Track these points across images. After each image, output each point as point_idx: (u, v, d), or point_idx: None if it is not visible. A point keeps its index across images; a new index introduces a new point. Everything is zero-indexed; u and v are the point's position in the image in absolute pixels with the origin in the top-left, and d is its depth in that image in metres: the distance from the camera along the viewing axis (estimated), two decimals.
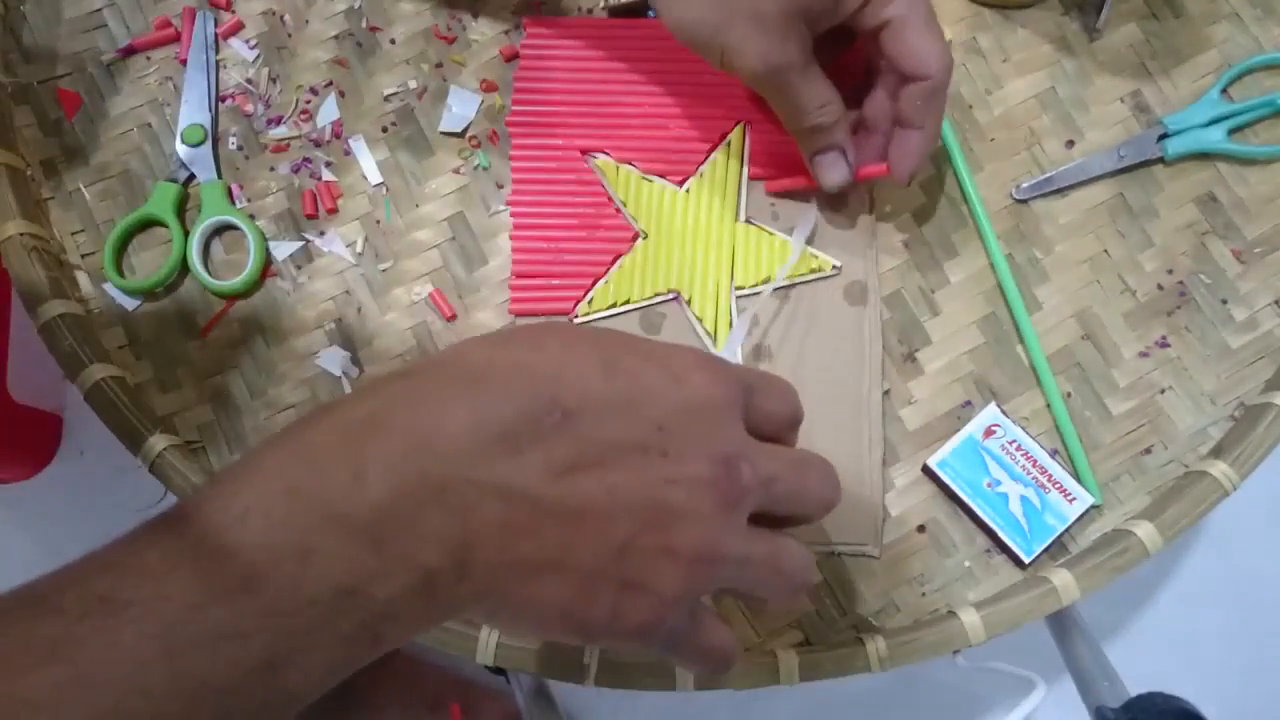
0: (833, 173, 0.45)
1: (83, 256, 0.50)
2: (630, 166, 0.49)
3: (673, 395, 0.30)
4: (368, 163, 0.50)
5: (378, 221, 0.50)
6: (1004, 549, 0.46)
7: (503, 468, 0.28)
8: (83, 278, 0.50)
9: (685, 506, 0.29)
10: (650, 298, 0.48)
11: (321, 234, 0.50)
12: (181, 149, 0.50)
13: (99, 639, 0.24)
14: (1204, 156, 0.50)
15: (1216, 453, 0.46)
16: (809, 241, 0.48)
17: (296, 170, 0.50)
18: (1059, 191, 0.49)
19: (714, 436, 0.30)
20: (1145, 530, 0.44)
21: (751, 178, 0.49)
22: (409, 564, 0.27)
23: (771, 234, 0.48)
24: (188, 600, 0.25)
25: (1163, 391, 0.48)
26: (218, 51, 0.51)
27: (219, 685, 0.25)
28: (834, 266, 0.48)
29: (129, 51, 0.51)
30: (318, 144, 0.50)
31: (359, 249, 0.49)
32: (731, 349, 0.46)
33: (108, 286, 0.49)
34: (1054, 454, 0.46)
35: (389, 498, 0.27)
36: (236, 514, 0.26)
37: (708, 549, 0.29)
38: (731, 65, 0.42)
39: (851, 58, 0.45)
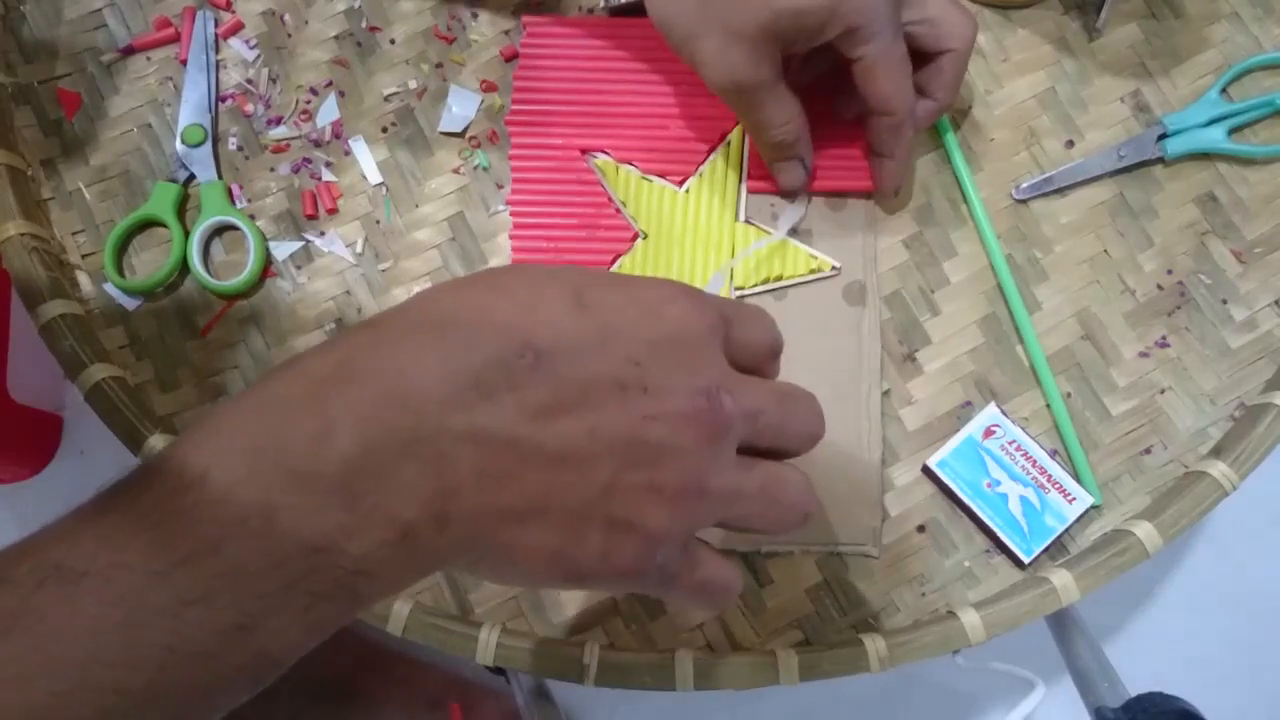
0: (789, 178, 0.47)
1: (83, 256, 0.50)
2: (630, 166, 0.49)
3: (648, 329, 0.29)
4: (367, 163, 0.50)
5: (378, 221, 0.50)
6: (1004, 549, 0.46)
7: (477, 414, 0.26)
8: (83, 278, 0.50)
9: (668, 442, 0.28)
10: None
11: (321, 234, 0.50)
12: (181, 149, 0.50)
13: (57, 610, 0.23)
14: (1204, 156, 0.50)
15: (1216, 453, 0.46)
16: (793, 232, 0.48)
17: (296, 170, 0.50)
18: (1059, 191, 0.49)
19: (694, 369, 0.29)
20: (1145, 530, 0.44)
21: (751, 191, 0.49)
22: (383, 518, 0.26)
23: (771, 234, 0.48)
24: (148, 567, 0.24)
25: (1162, 391, 0.48)
26: (218, 51, 0.51)
27: (187, 651, 0.24)
28: (834, 266, 0.48)
29: (129, 51, 0.51)
30: (318, 144, 0.50)
31: (359, 249, 0.49)
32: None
33: (108, 286, 0.49)
34: (1054, 454, 0.46)
35: (358, 451, 0.26)
36: (196, 474, 0.25)
37: (694, 483, 0.29)
38: (699, 72, 0.43)
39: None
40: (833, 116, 0.48)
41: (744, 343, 0.32)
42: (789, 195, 0.48)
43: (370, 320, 0.29)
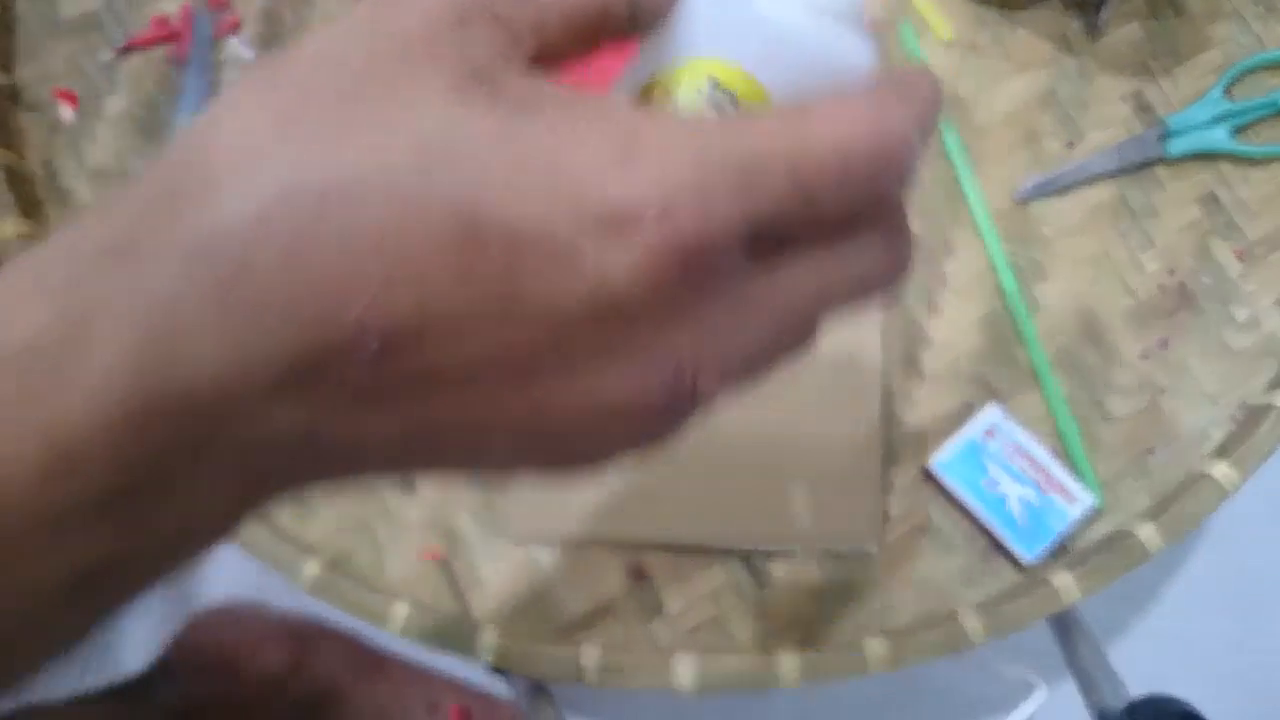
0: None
1: None
2: None
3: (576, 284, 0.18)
4: None
5: None
6: (1004, 550, 0.46)
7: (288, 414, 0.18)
8: None
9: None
10: None
11: None
12: None
13: None
14: (1206, 156, 0.49)
15: (1218, 453, 0.46)
16: None
17: None
18: (1059, 191, 0.49)
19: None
20: (1146, 531, 0.44)
21: None
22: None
23: None
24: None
25: (1164, 392, 0.48)
26: (217, 51, 0.51)
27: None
28: None
29: (127, 51, 0.51)
30: None
31: None
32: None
33: None
34: (1054, 454, 0.46)
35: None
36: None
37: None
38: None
39: None
40: None
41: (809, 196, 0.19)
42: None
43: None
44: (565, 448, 0.20)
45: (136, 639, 0.66)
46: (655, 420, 0.20)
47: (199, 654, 0.69)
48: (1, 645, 0.20)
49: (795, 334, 0.22)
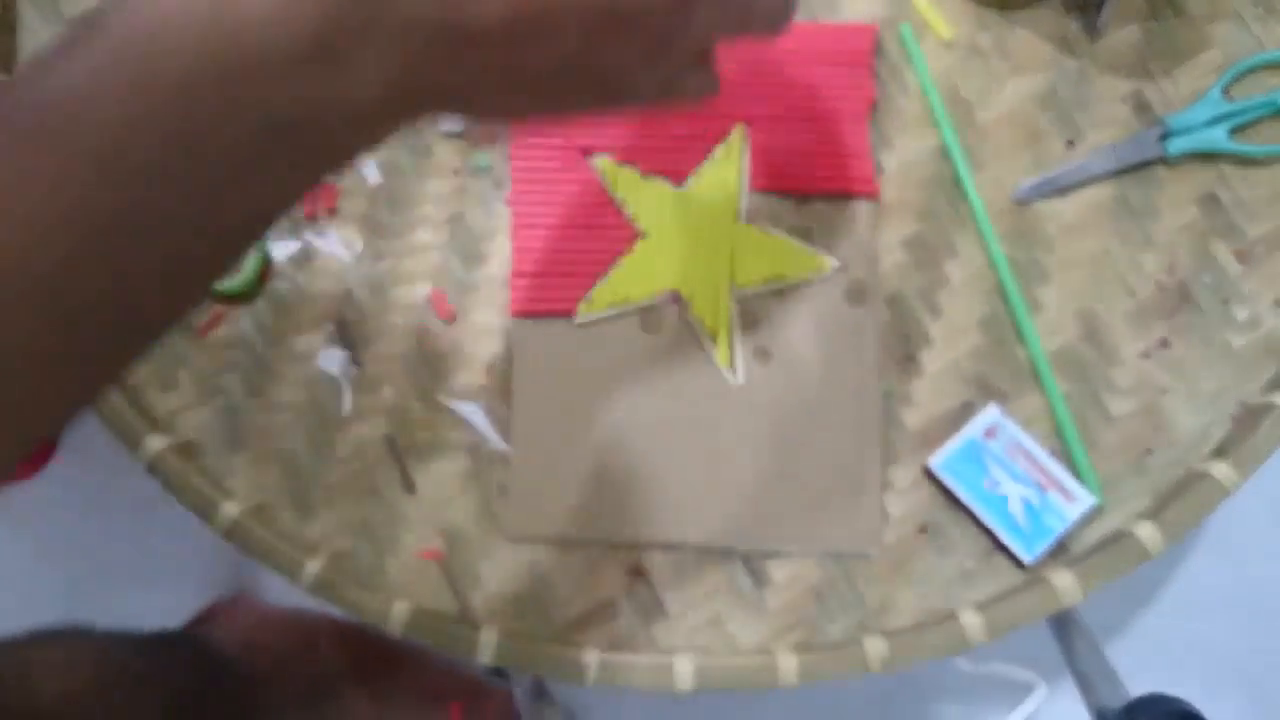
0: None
1: None
2: (630, 166, 0.49)
3: None
4: (367, 163, 0.50)
5: (379, 222, 0.50)
6: (1004, 550, 0.46)
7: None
8: None
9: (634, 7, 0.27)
10: (650, 297, 0.48)
11: (321, 234, 0.49)
12: None
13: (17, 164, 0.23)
14: (1205, 156, 0.49)
15: (1218, 453, 0.46)
16: (794, 231, 0.48)
17: None
18: (1059, 191, 0.49)
19: None
20: (1146, 531, 0.44)
21: (752, 190, 0.49)
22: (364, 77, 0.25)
23: (771, 234, 0.48)
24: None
25: (1164, 392, 0.48)
26: None
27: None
28: (834, 266, 0.48)
29: None
30: None
31: (359, 249, 0.49)
32: None
33: None
34: (1054, 454, 0.46)
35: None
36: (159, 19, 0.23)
37: (665, 36, 0.28)
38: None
39: None
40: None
41: None
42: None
43: None
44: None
45: (164, 608, 0.68)
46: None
47: (220, 627, 0.71)
48: (211, 194, 0.25)
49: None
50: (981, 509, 0.45)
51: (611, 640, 0.45)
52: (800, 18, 0.51)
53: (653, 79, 0.30)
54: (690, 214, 0.48)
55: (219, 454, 0.48)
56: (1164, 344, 0.48)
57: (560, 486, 0.47)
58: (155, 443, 0.46)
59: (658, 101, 0.31)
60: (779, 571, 0.46)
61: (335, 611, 0.44)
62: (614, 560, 0.47)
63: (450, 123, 0.50)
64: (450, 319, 0.49)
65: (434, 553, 0.47)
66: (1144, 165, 0.49)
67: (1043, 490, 0.45)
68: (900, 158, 0.50)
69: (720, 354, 0.47)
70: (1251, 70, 0.50)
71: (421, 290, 0.49)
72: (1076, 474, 0.46)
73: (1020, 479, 0.45)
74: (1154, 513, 0.45)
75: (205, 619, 0.73)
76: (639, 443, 0.47)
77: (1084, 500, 0.45)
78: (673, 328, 0.48)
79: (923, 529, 0.46)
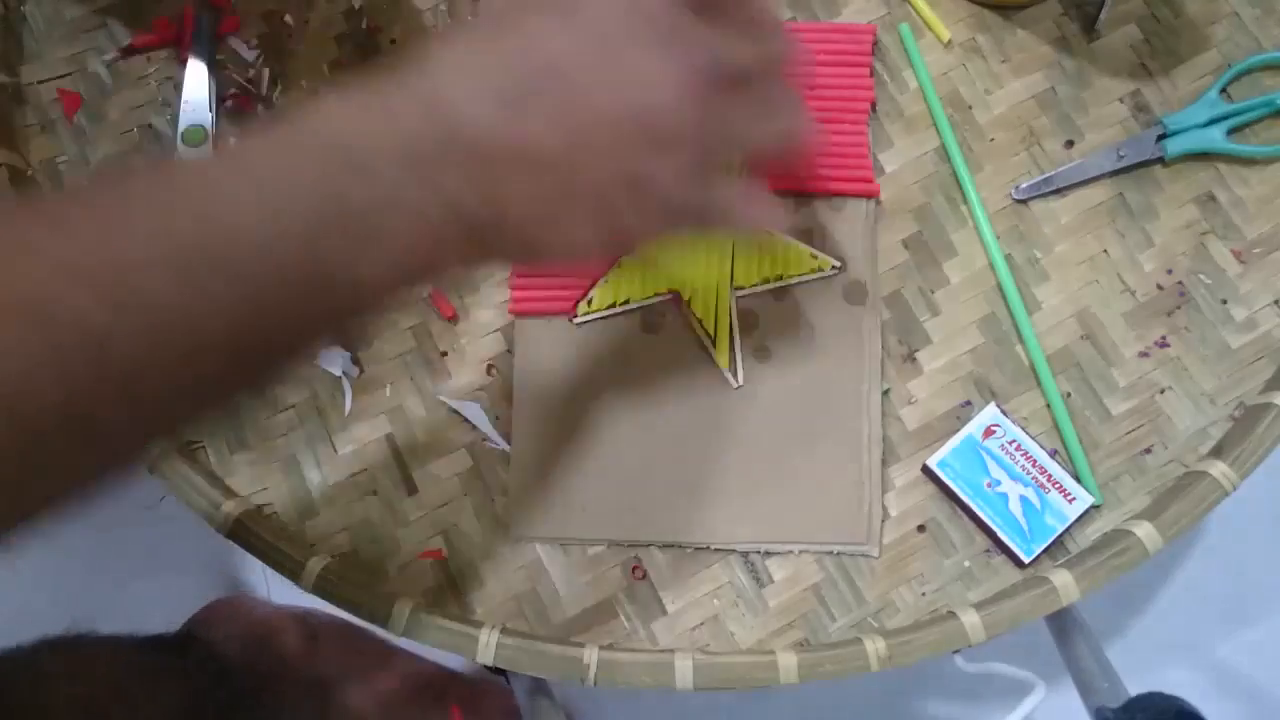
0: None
1: None
2: None
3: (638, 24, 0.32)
4: None
5: None
6: (1004, 549, 0.46)
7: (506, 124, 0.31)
8: None
9: (669, 125, 0.32)
10: (650, 297, 0.48)
11: None
12: (183, 150, 0.50)
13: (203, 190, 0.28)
14: (1203, 156, 0.50)
15: (1216, 453, 0.46)
16: (794, 232, 0.48)
17: None
18: (1058, 191, 0.49)
19: (674, 48, 0.32)
20: (1145, 530, 0.44)
21: None
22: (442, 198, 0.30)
23: (771, 234, 0.48)
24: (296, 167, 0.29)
25: (1162, 391, 0.48)
26: (218, 51, 0.51)
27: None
28: (834, 266, 0.48)
29: (129, 51, 0.51)
30: None
31: None
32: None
33: None
34: (1054, 454, 0.46)
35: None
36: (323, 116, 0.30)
37: (695, 149, 0.33)
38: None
39: None
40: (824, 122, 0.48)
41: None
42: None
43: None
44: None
45: (165, 607, 0.68)
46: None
47: (222, 627, 0.71)
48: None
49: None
50: (981, 508, 0.45)
51: (611, 639, 0.46)
52: (800, 18, 0.51)
53: (698, 193, 0.34)
54: None
55: (220, 454, 0.48)
56: (1163, 344, 0.48)
57: (560, 486, 0.47)
58: (155, 445, 0.46)
59: (704, 221, 0.36)
60: (779, 571, 0.46)
61: (335, 611, 0.44)
62: (614, 560, 0.47)
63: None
64: (450, 318, 0.49)
65: (434, 553, 0.47)
66: (1142, 165, 0.50)
67: (1042, 489, 0.45)
68: (900, 158, 0.50)
69: (720, 354, 0.47)
70: (1249, 71, 0.50)
71: (421, 290, 0.49)
72: (1075, 473, 0.46)
73: (1019, 478, 0.45)
74: (1153, 512, 0.45)
75: (205, 619, 0.73)
76: (639, 443, 0.47)
77: (1083, 499, 0.45)
78: (673, 328, 0.48)
79: (922, 528, 0.46)
